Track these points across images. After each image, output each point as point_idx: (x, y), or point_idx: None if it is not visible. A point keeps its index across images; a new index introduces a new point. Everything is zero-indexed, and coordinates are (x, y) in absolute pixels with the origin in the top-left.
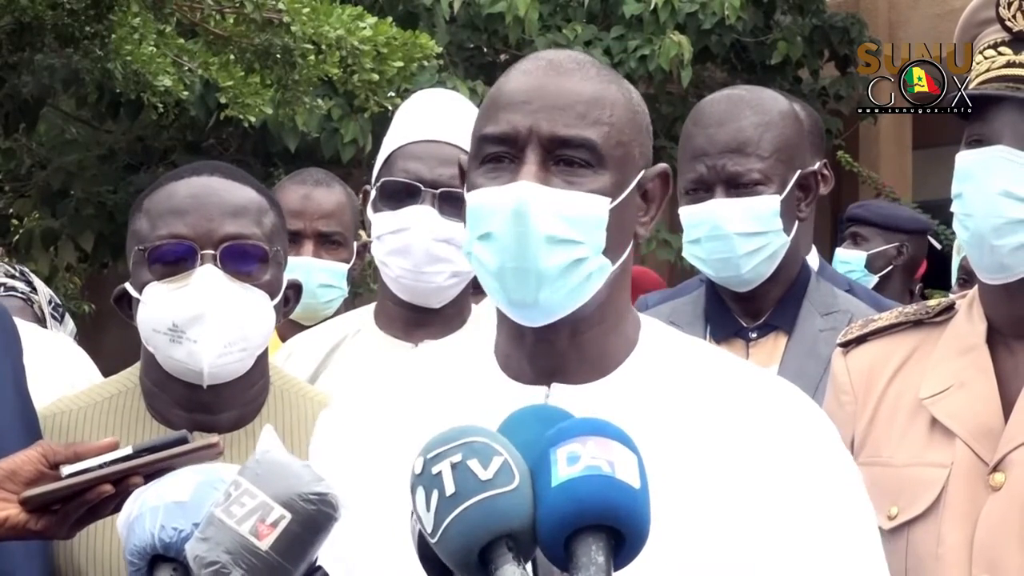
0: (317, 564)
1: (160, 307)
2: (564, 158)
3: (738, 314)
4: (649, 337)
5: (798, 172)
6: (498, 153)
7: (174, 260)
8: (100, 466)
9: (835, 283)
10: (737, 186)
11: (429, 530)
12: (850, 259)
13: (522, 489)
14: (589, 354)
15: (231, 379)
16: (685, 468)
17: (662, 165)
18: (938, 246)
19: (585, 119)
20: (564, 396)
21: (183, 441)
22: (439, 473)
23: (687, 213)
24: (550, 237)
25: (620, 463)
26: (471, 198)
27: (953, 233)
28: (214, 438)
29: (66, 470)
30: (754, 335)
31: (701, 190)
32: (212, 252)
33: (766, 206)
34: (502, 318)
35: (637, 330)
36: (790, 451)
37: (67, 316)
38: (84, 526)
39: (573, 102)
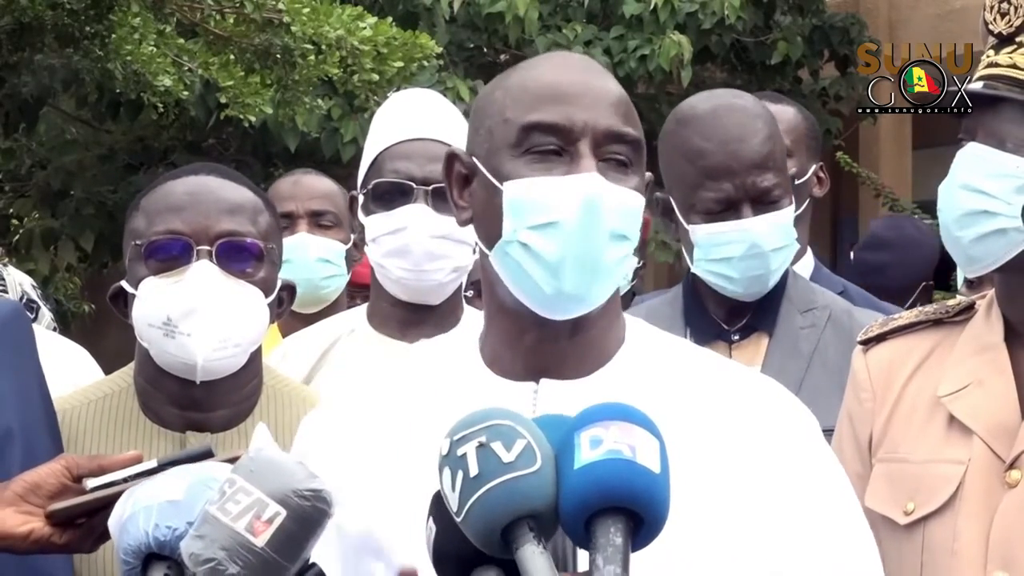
0: (311, 562)
1: (155, 301)
2: (611, 154)
3: (719, 317)
4: (636, 334)
5: (794, 181)
6: (548, 143)
7: (170, 256)
8: (124, 479)
9: (830, 285)
10: (764, 202)
11: (455, 509)
12: None
13: (544, 471)
14: (586, 351)
15: (224, 376)
16: (679, 459)
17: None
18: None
19: (628, 118)
20: (553, 392)
21: (208, 454)
22: (464, 454)
23: (713, 232)
24: (614, 232)
25: (641, 448)
26: (522, 186)
27: None
28: (238, 452)
29: (90, 483)
30: (736, 337)
31: (725, 209)
32: (208, 248)
33: (788, 218)
34: (496, 318)
35: (624, 327)
36: (774, 441)
37: (43, 310)
38: (107, 540)
39: (618, 101)
